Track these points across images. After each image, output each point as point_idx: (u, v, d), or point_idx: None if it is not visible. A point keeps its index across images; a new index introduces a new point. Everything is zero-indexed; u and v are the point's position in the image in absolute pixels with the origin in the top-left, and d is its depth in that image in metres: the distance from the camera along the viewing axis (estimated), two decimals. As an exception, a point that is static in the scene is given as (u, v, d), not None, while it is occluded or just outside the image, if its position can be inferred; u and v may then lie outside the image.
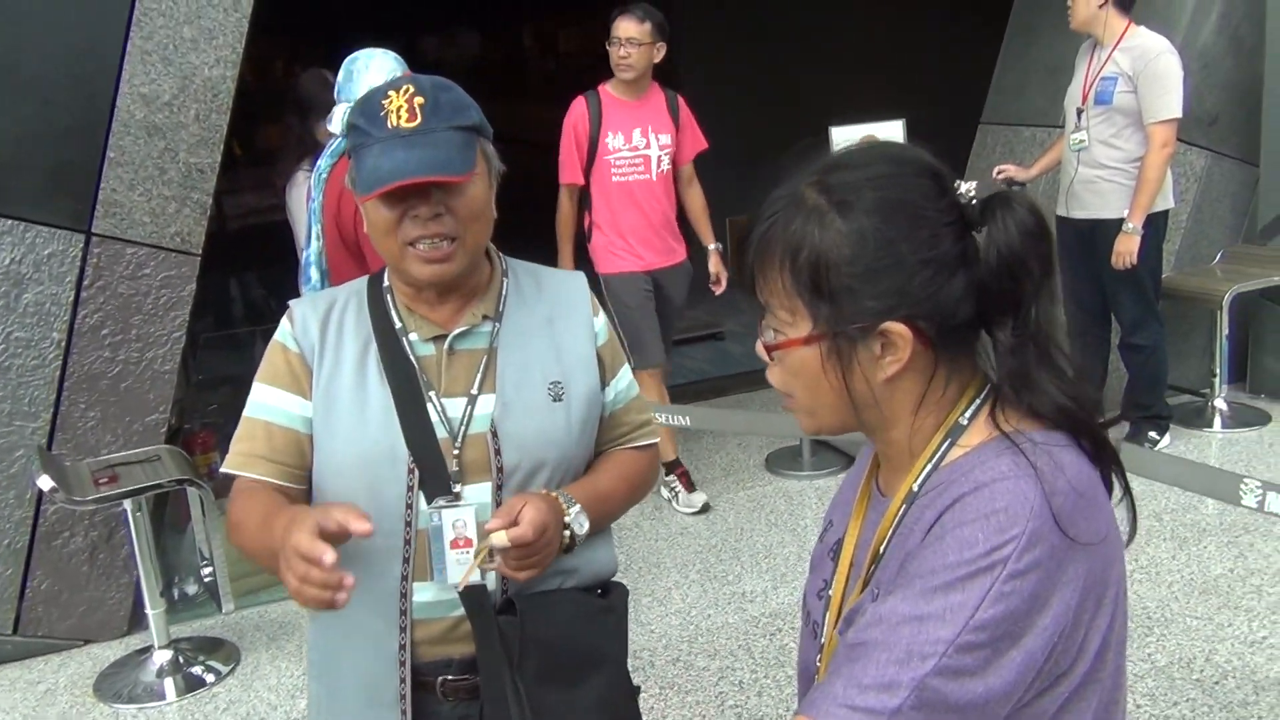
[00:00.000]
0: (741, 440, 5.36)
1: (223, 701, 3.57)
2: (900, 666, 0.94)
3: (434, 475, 1.59)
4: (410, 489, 1.59)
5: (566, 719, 1.60)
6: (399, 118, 1.52)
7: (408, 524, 1.59)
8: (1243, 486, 2.36)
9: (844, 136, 4.66)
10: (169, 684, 3.64)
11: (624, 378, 1.78)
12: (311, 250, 3.43)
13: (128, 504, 3.56)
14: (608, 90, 4.57)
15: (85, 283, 3.67)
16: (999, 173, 5.10)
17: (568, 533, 1.59)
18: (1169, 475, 2.91)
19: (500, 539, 1.48)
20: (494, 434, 1.61)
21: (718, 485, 4.92)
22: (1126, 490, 1.09)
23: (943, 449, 1.06)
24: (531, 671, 1.58)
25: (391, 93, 1.54)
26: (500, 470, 1.61)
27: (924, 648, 0.94)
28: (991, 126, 5.90)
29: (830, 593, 1.17)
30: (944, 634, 0.94)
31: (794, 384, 1.09)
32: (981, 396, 1.07)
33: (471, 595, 1.58)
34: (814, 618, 1.22)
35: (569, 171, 4.57)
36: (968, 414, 1.07)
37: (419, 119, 1.52)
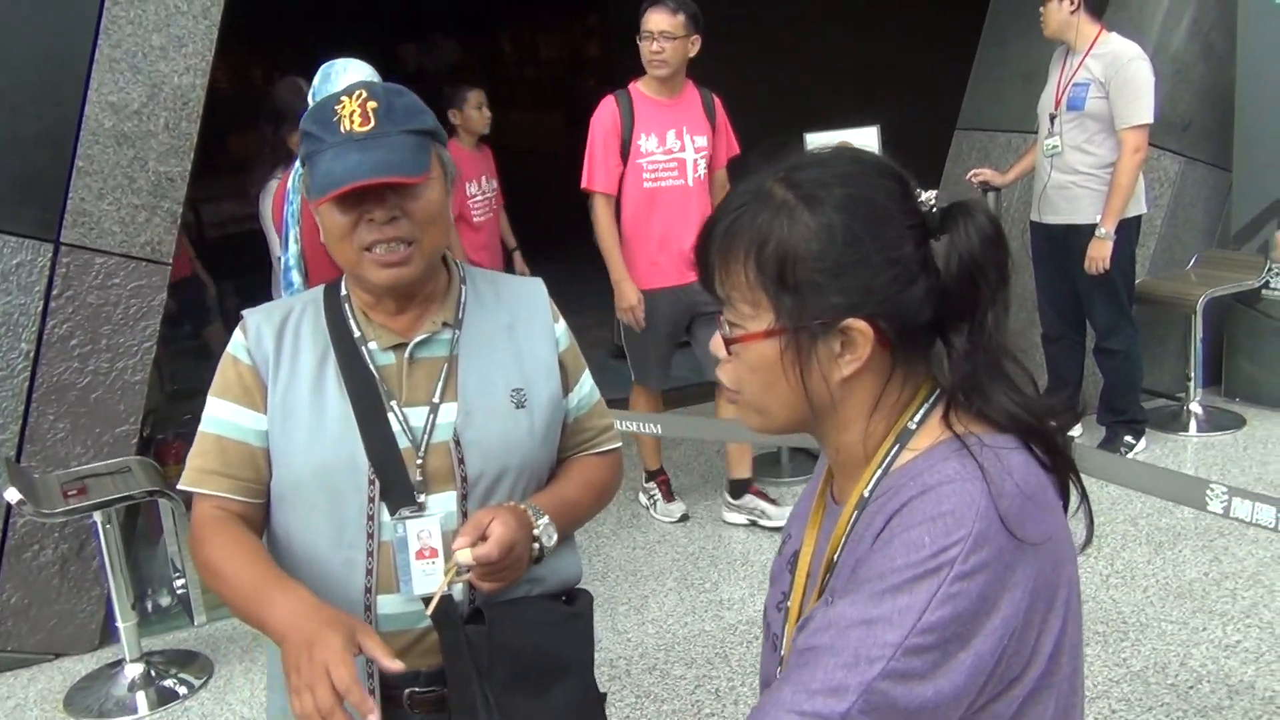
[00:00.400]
0: (721, 446, 5.34)
1: (195, 715, 3.53)
2: (848, 670, 0.94)
3: (397, 486, 1.57)
4: (371, 500, 1.57)
5: None
6: (351, 122, 1.51)
7: (370, 535, 1.57)
8: (1209, 492, 2.37)
9: (818, 143, 4.66)
10: (141, 698, 3.60)
11: (586, 383, 1.78)
12: (290, 254, 3.41)
13: (98, 516, 3.52)
14: (639, 89, 4.30)
15: (54, 292, 3.63)
16: (974, 177, 5.11)
17: (536, 545, 1.58)
18: (1138, 481, 2.93)
19: (465, 557, 1.47)
20: (457, 443, 1.59)
21: (697, 492, 4.91)
22: (1083, 496, 1.09)
23: (892, 453, 1.06)
24: (500, 680, 1.56)
25: (344, 98, 1.54)
26: (465, 479, 1.59)
27: (872, 651, 0.94)
28: (967, 132, 5.92)
29: (789, 604, 1.17)
30: (891, 637, 0.94)
31: (749, 380, 1.09)
32: (930, 400, 1.08)
33: (438, 606, 1.57)
34: (774, 630, 1.21)
35: (602, 178, 4.26)
36: (916, 418, 1.07)
37: (372, 122, 1.51)
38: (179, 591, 4.15)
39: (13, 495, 3.27)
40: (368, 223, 1.53)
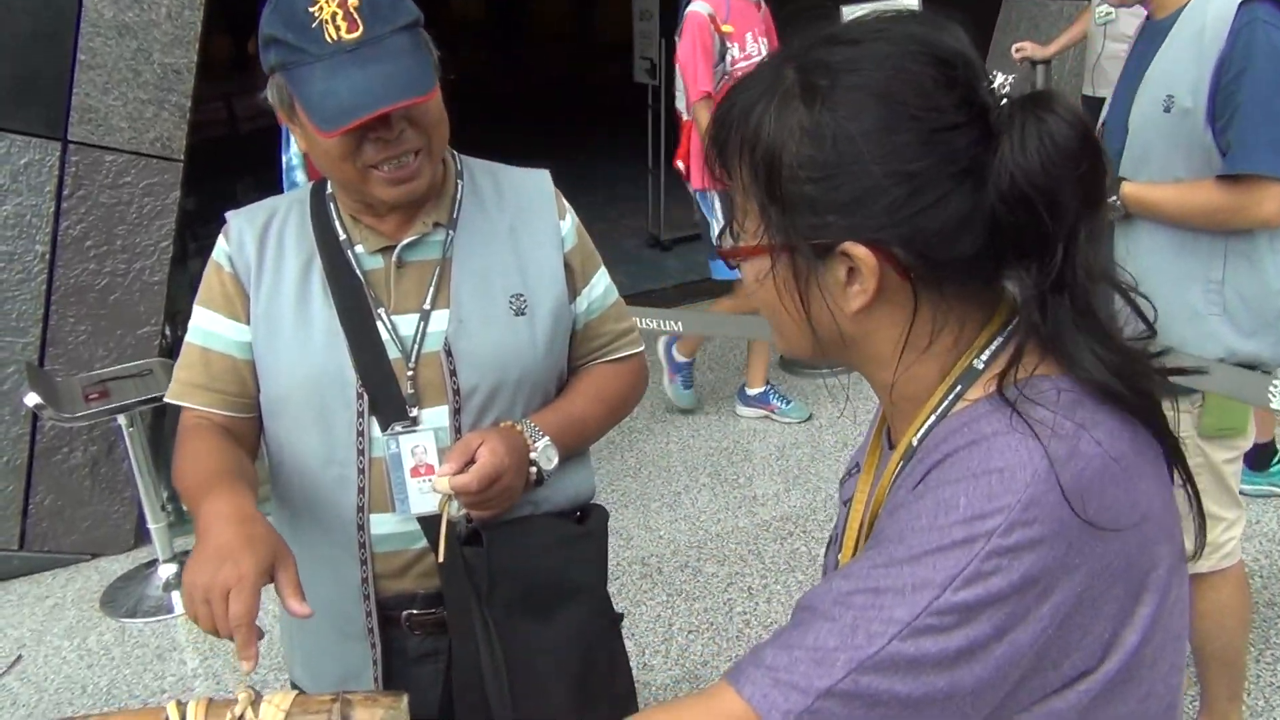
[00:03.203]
0: (750, 338, 5.22)
1: (229, 614, 3.54)
2: (842, 641, 0.80)
3: (387, 399, 1.47)
4: (361, 415, 1.47)
5: (540, 652, 1.51)
6: (336, 29, 1.32)
7: (360, 452, 1.48)
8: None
9: (858, 13, 4.40)
10: (175, 597, 3.62)
11: (598, 285, 1.63)
12: (293, 151, 3.29)
13: (121, 419, 3.49)
14: None
15: (65, 192, 3.54)
16: (1017, 51, 4.84)
17: (534, 469, 1.48)
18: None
19: (443, 486, 1.38)
20: (449, 353, 1.48)
21: (730, 385, 4.80)
22: (1187, 481, 0.89)
23: (951, 396, 0.87)
24: (501, 604, 1.48)
25: None
26: (457, 393, 1.49)
27: (873, 625, 0.79)
28: (1016, 0, 5.60)
29: (840, 555, 1.02)
30: (900, 613, 0.78)
31: (755, 298, 0.93)
32: (1004, 336, 0.87)
33: (435, 527, 1.48)
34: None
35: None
36: (984, 356, 0.87)
37: (360, 27, 1.32)
38: (211, 491, 4.14)
39: (32, 399, 3.24)
40: (375, 140, 1.37)
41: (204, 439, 1.47)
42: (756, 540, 3.59)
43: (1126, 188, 2.19)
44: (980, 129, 0.81)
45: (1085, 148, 0.79)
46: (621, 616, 1.68)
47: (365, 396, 1.46)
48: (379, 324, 1.47)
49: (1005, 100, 0.82)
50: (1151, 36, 2.21)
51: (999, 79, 0.83)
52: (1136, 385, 0.84)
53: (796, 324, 0.90)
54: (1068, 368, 0.84)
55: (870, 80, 0.82)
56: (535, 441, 1.48)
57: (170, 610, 3.58)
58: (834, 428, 4.37)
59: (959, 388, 0.87)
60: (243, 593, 1.19)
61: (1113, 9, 4.34)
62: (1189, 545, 0.89)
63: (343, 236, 1.50)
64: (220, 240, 1.52)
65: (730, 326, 4.41)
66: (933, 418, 0.88)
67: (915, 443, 0.89)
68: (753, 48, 4.05)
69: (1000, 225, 0.81)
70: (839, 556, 1.02)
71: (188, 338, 1.53)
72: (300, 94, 1.35)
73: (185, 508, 1.42)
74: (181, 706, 1.18)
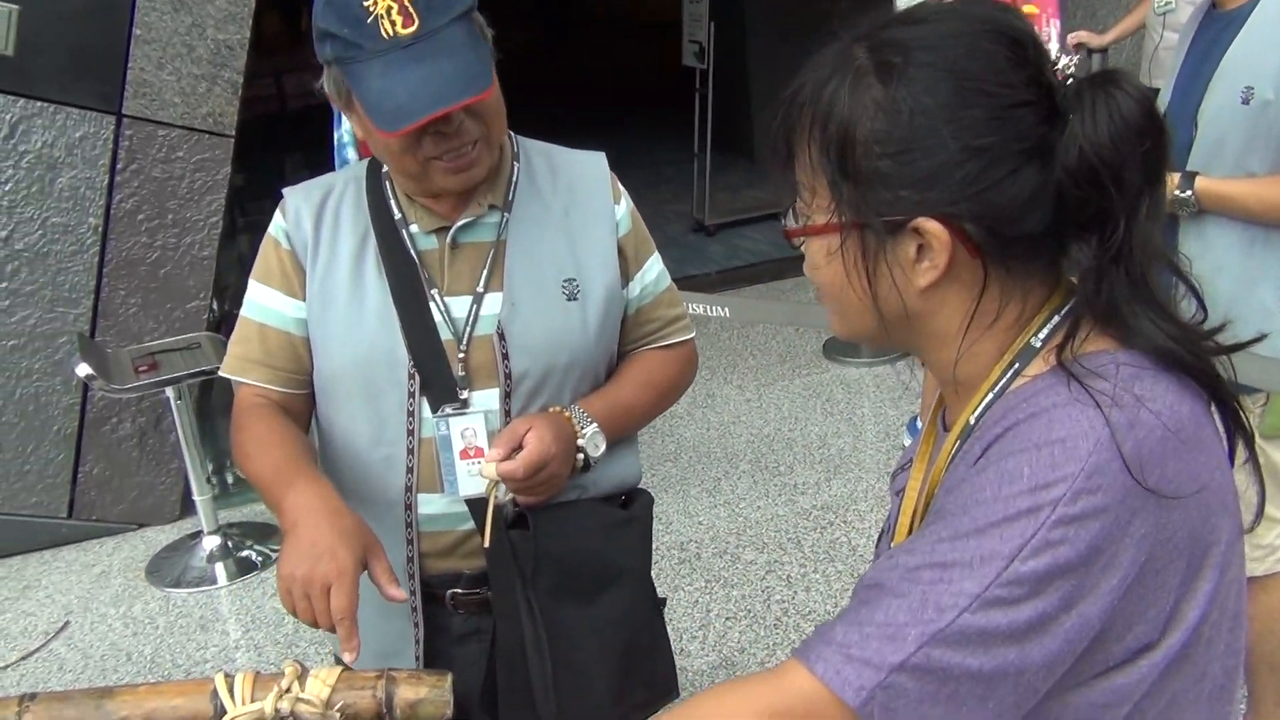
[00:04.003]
0: (795, 325, 5.19)
1: (271, 587, 3.58)
2: (912, 616, 0.79)
3: (438, 381, 1.47)
4: (412, 395, 1.47)
5: (583, 635, 1.51)
6: (391, 23, 1.30)
7: (410, 432, 1.48)
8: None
9: (907, 4, 4.35)
10: (219, 568, 3.67)
11: (651, 270, 1.62)
12: (344, 129, 3.30)
13: (169, 391, 3.53)
14: None
15: (119, 166, 3.58)
16: (1072, 39, 4.75)
17: (581, 456, 1.48)
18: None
19: (490, 472, 1.39)
20: (500, 336, 1.48)
21: (772, 372, 4.78)
22: (1251, 453, 0.89)
23: (1008, 375, 0.88)
24: (545, 587, 1.49)
25: None
26: (508, 377, 1.48)
27: (943, 599, 0.78)
28: (1074, -12, 5.51)
29: (892, 543, 1.01)
30: (969, 586, 0.78)
31: (818, 279, 0.93)
32: (1061, 314, 0.88)
33: (482, 509, 1.48)
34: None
35: None
36: (1042, 334, 0.88)
37: (416, 21, 1.30)
38: (255, 465, 4.18)
39: (83, 370, 3.29)
40: (435, 135, 1.37)
41: (266, 421, 1.48)
42: (796, 529, 3.58)
43: (1201, 183, 2.12)
44: (1047, 107, 0.83)
45: (1151, 124, 0.81)
46: (664, 601, 1.68)
47: (417, 377, 1.46)
48: (432, 305, 1.47)
49: (1070, 80, 0.83)
50: (1221, 26, 2.15)
51: (1063, 60, 0.85)
52: (1195, 350, 0.85)
53: (861, 303, 0.90)
54: (1126, 337, 0.84)
55: (943, 57, 0.83)
56: (583, 428, 1.48)
57: (213, 581, 3.63)
58: (876, 418, 4.34)
59: (1017, 365, 0.88)
60: (343, 588, 1.24)
61: None
62: (1246, 519, 0.89)
63: (398, 216, 1.50)
64: (277, 216, 1.53)
65: (776, 313, 4.39)
66: (990, 395, 0.88)
67: (972, 421, 0.89)
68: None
69: (1065, 200, 0.82)
70: (890, 543, 1.01)
71: (244, 312, 1.54)
72: (357, 90, 1.34)
73: (263, 499, 1.43)
74: (229, 679, 1.19)
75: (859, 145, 0.84)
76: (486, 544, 1.45)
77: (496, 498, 1.43)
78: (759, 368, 4.82)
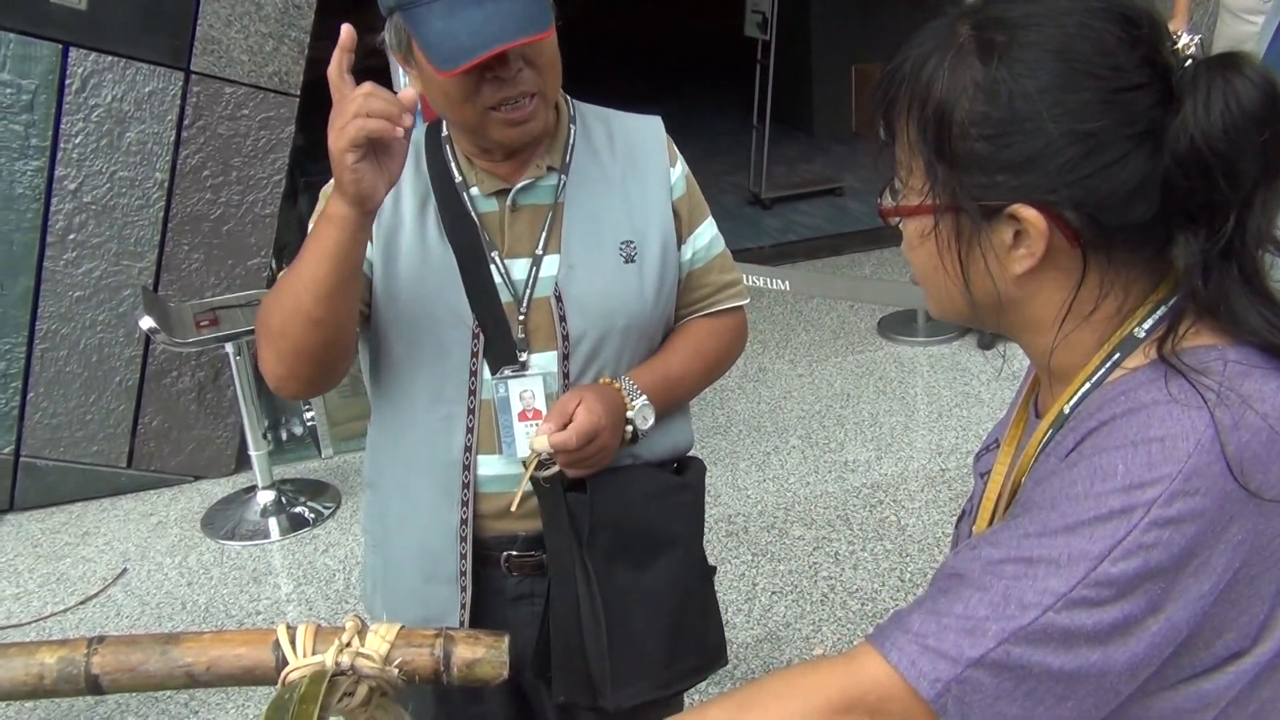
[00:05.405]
0: (854, 301, 5.15)
1: (323, 542, 3.64)
2: (993, 610, 0.77)
3: (499, 343, 1.48)
4: (475, 355, 1.48)
5: (635, 599, 1.52)
6: None
7: (471, 392, 1.49)
8: None
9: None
10: (273, 523, 3.73)
11: (705, 234, 1.61)
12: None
13: (229, 347, 3.58)
14: None
15: (185, 122, 3.62)
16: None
17: (630, 428, 1.48)
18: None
19: (542, 444, 1.39)
20: (558, 299, 1.48)
21: (826, 348, 4.75)
22: None
23: (1108, 365, 0.85)
24: (601, 551, 1.49)
25: None
26: (566, 339, 1.49)
27: (1027, 595, 0.76)
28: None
29: (973, 526, 0.99)
30: (1055, 584, 0.76)
31: (912, 258, 0.91)
32: (1168, 305, 0.85)
33: (537, 478, 1.48)
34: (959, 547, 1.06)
35: None
36: (1146, 325, 0.84)
37: None
38: (309, 423, 4.25)
39: (146, 323, 3.34)
40: (492, 81, 1.37)
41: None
42: (845, 506, 3.56)
43: None
44: (1161, 90, 0.79)
45: (1273, 113, 0.76)
46: (714, 569, 1.68)
47: (481, 337, 1.47)
48: (492, 267, 1.48)
49: (1190, 61, 0.79)
50: None
51: (1184, 39, 0.80)
52: None
53: (954, 285, 0.87)
54: (1234, 331, 0.81)
55: (1049, 37, 0.80)
56: (632, 400, 1.48)
57: (266, 536, 3.69)
58: (929, 397, 4.30)
59: (1117, 355, 0.85)
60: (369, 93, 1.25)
61: None
62: None
63: (458, 179, 1.50)
64: None
65: (836, 288, 4.36)
66: (1087, 385, 0.85)
67: (1067, 410, 0.86)
68: None
69: (1172, 189, 0.79)
70: (972, 528, 0.99)
71: (301, 252, 1.52)
72: (419, 34, 1.35)
73: (271, 317, 1.39)
74: (291, 630, 1.20)
75: (955, 126, 0.81)
76: (514, 508, 1.46)
77: (543, 473, 1.43)
78: (812, 343, 4.79)
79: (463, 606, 1.56)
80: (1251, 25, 4.40)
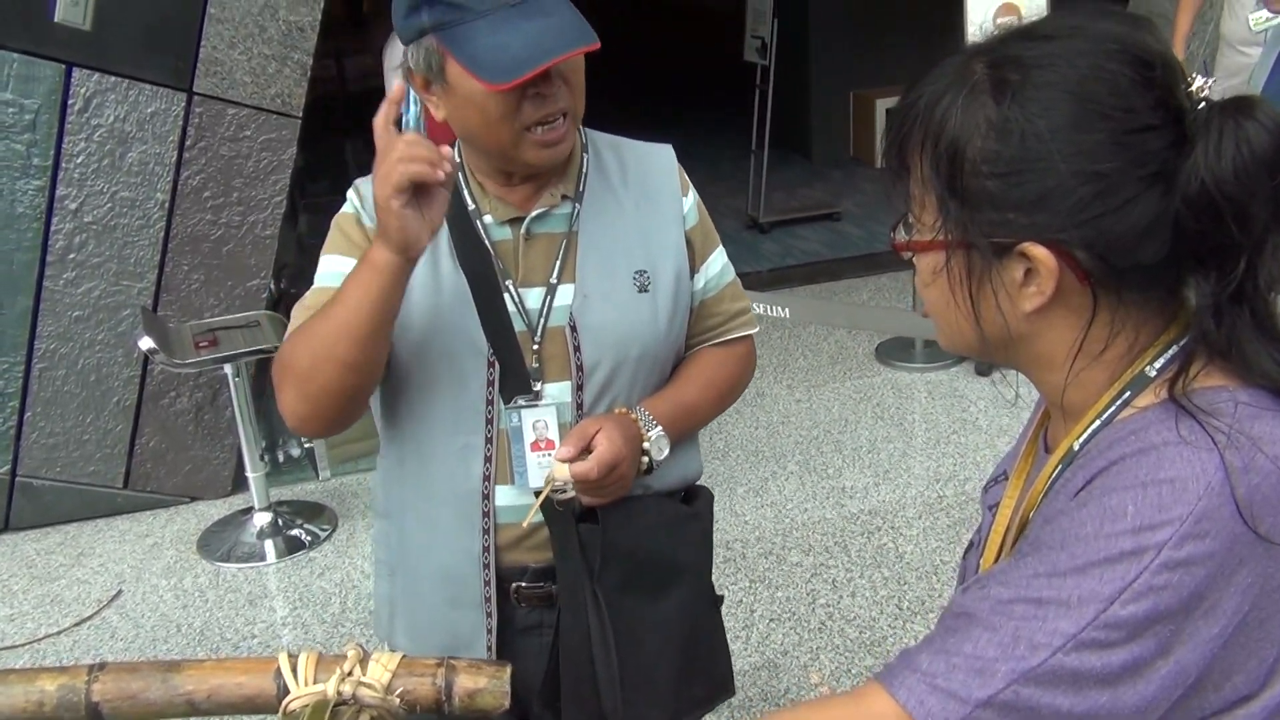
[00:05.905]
0: (852, 328, 5.16)
1: (319, 565, 3.63)
2: (1002, 651, 0.78)
3: (513, 372, 1.47)
4: (491, 384, 1.47)
5: (646, 629, 1.51)
6: None
7: (489, 421, 1.48)
8: None
9: (979, 4, 4.30)
10: (269, 545, 3.72)
11: (716, 262, 1.61)
12: (411, 115, 3.33)
13: (228, 368, 3.58)
14: None
15: (187, 143, 3.63)
16: None
17: (646, 459, 1.48)
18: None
19: (563, 473, 1.38)
20: (573, 328, 1.48)
21: (823, 374, 4.76)
22: None
23: (1118, 403, 0.85)
24: (612, 581, 1.49)
25: None
26: (580, 368, 1.48)
27: (1037, 636, 0.77)
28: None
29: (981, 559, 1.00)
30: (1065, 626, 0.76)
31: (924, 292, 0.92)
32: (1180, 346, 0.85)
33: (549, 503, 1.48)
34: (965, 581, 1.05)
35: None
36: (1158, 364, 0.85)
37: None
38: (306, 445, 4.24)
39: (146, 343, 3.34)
40: (534, 98, 1.37)
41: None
42: (843, 533, 3.56)
43: None
44: (1175, 132, 0.79)
45: None
46: (722, 598, 1.68)
47: (497, 366, 1.46)
48: (506, 296, 1.48)
49: (1204, 104, 0.79)
50: None
51: (1199, 81, 0.80)
52: None
53: (965, 320, 0.88)
54: (1245, 374, 0.81)
55: (1063, 77, 0.80)
56: (648, 431, 1.48)
57: (263, 558, 3.67)
58: (927, 424, 4.30)
59: (1127, 394, 0.85)
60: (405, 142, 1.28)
61: (1274, 15, 4.07)
62: None
63: (471, 206, 1.50)
64: (351, 198, 1.52)
65: (836, 315, 4.37)
66: (1097, 422, 0.86)
67: (1076, 448, 0.86)
68: None
69: (1183, 231, 0.79)
70: (979, 561, 0.99)
71: (316, 283, 1.51)
72: (462, 52, 1.34)
73: (292, 362, 1.41)
74: (293, 659, 1.20)
75: (967, 163, 0.82)
76: (525, 524, 1.45)
77: (558, 496, 1.43)
78: (810, 368, 4.80)
79: (489, 632, 1.54)
80: (1246, 57, 4.43)
